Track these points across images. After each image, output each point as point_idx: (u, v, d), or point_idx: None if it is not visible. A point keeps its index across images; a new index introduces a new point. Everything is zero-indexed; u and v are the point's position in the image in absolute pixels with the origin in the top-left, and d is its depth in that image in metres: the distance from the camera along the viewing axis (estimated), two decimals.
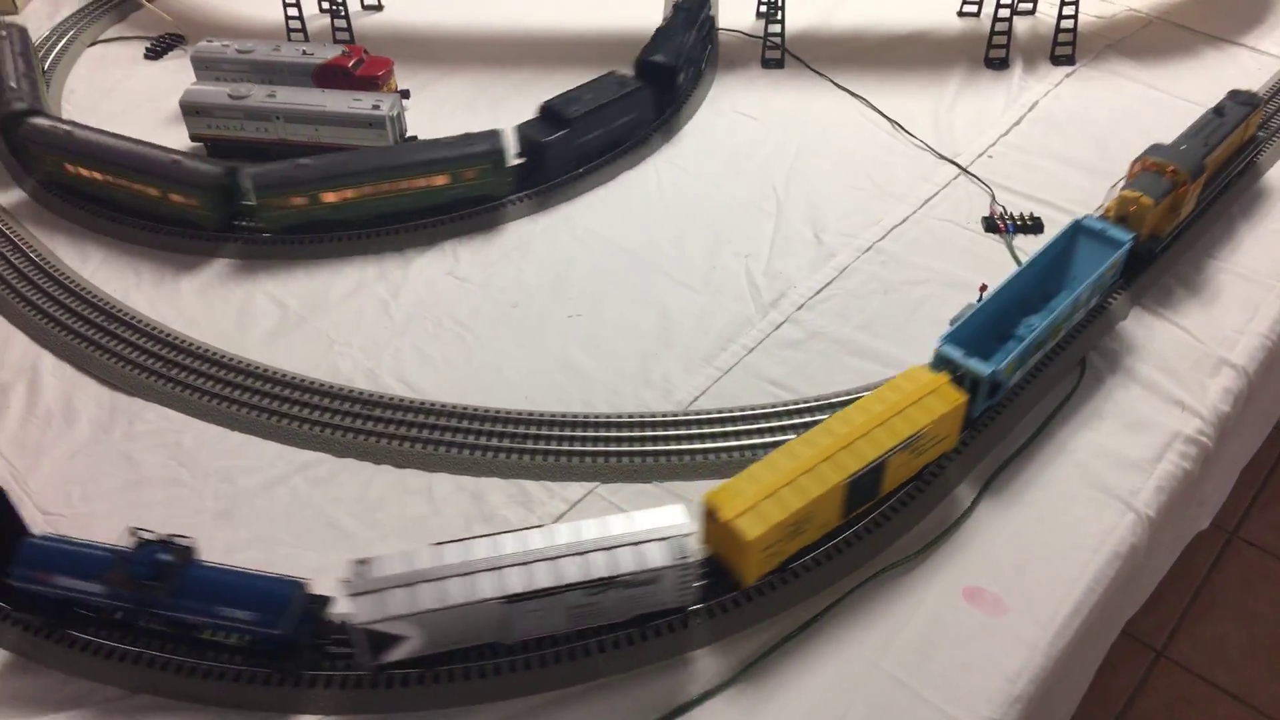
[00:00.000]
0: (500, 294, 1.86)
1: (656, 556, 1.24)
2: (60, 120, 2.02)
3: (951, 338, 1.47)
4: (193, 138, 2.14)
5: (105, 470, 1.56)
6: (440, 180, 1.91)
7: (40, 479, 1.55)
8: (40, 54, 2.46)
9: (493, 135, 1.95)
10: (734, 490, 1.30)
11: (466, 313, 1.81)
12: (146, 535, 1.23)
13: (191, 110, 2.09)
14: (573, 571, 1.23)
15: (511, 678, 1.26)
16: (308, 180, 1.86)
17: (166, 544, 1.22)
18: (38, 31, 2.53)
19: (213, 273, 1.90)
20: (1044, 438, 1.55)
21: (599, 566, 1.23)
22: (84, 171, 1.92)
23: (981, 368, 1.45)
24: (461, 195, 1.95)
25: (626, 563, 1.23)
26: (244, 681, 1.26)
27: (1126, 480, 1.49)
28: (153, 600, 1.22)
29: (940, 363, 1.47)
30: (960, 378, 1.44)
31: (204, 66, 2.21)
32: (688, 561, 1.23)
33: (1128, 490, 1.48)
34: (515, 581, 1.22)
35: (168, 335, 1.77)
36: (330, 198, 1.87)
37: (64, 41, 2.50)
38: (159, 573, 1.21)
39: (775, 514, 1.27)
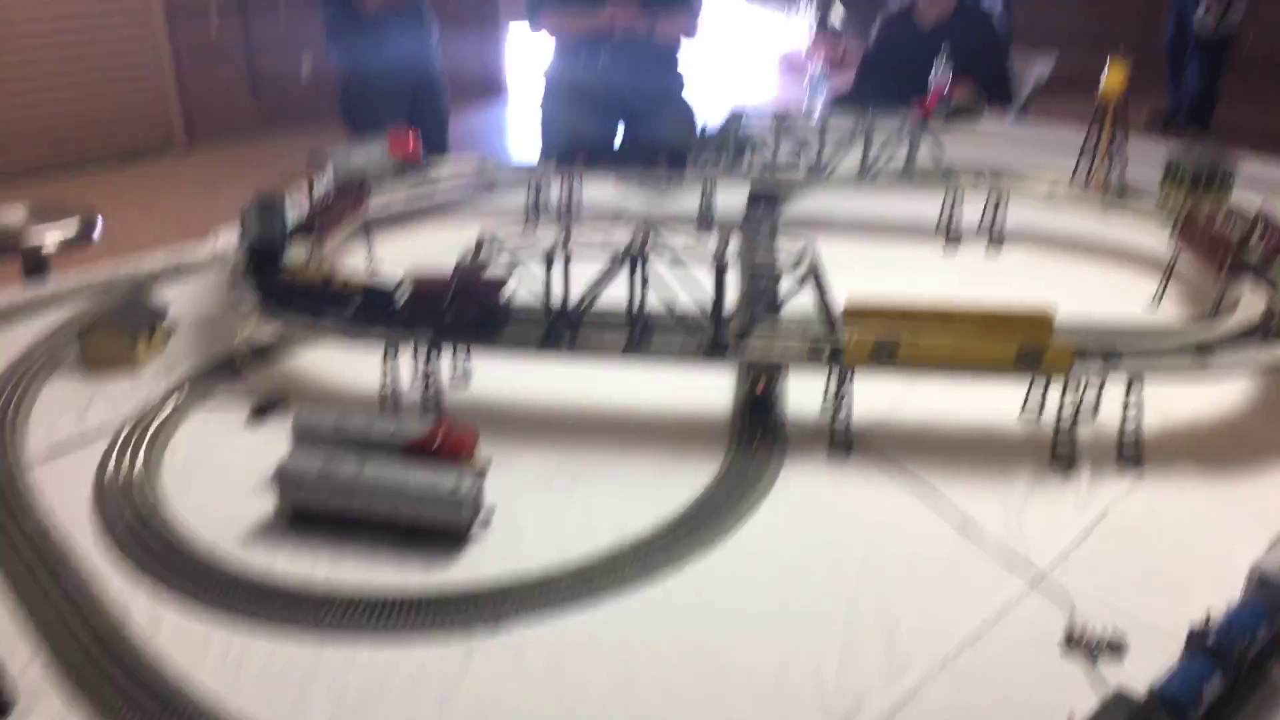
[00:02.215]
0: (564, 692, 1.81)
1: None
2: None
3: None
4: (279, 507, 2.22)
5: None
6: None
7: None
8: (152, 413, 2.64)
9: None
10: None
11: None
12: None
13: (282, 481, 2.19)
14: None
15: None
16: None
17: None
18: (152, 391, 2.73)
19: (276, 652, 1.89)
20: None
21: None
22: None
23: None
24: None
25: None
26: None
27: None
28: None
29: None
30: None
31: (301, 435, 2.34)
32: None
33: None
34: None
35: None
36: None
37: (173, 402, 2.69)
38: None
39: None
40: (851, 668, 1.85)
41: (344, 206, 3.26)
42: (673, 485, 2.37)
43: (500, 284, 2.53)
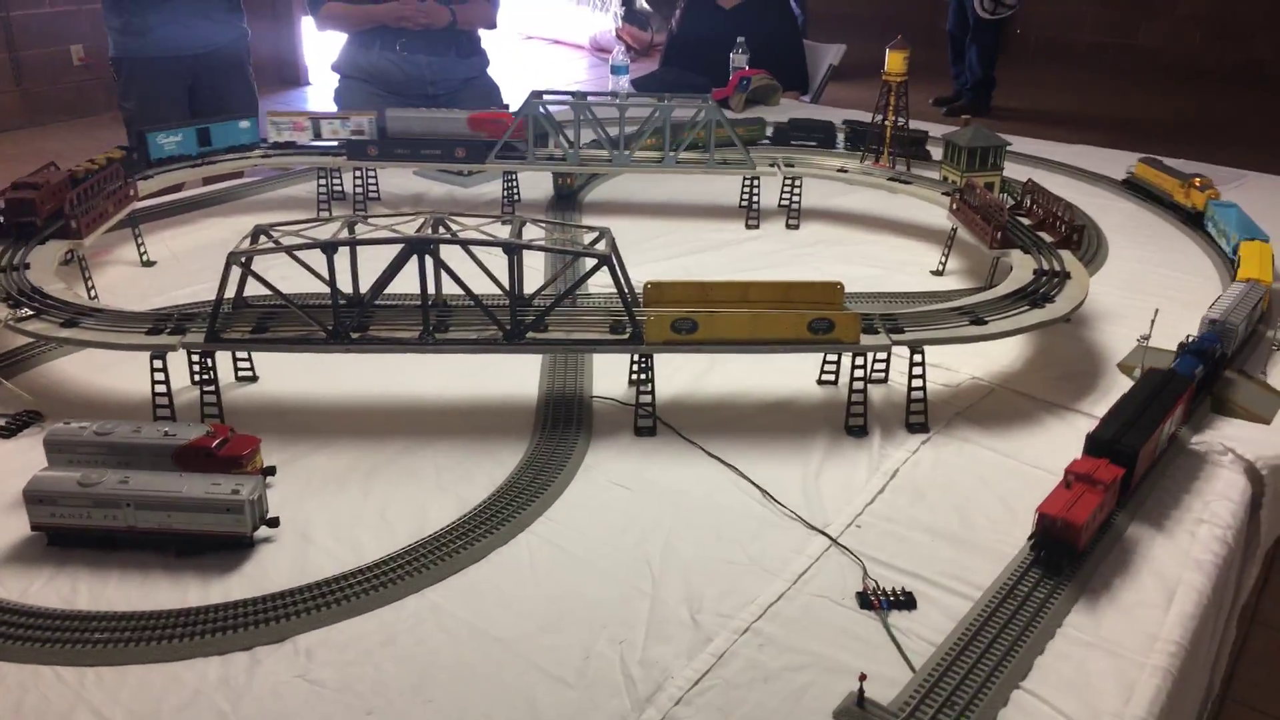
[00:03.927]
0: (356, 699, 1.72)
1: None
2: None
3: None
4: (34, 527, 2.02)
5: None
6: None
7: None
8: None
9: None
10: None
11: None
12: None
13: (35, 499, 1.99)
14: None
15: None
16: None
17: None
18: None
19: (32, 681, 1.71)
20: None
21: None
22: None
23: None
24: None
25: None
26: None
27: None
28: None
29: None
30: None
31: (57, 449, 2.14)
32: None
33: None
34: None
35: None
36: None
37: None
38: None
39: None
40: (656, 646, 1.84)
41: (105, 199, 3.00)
42: (476, 475, 2.30)
43: None
